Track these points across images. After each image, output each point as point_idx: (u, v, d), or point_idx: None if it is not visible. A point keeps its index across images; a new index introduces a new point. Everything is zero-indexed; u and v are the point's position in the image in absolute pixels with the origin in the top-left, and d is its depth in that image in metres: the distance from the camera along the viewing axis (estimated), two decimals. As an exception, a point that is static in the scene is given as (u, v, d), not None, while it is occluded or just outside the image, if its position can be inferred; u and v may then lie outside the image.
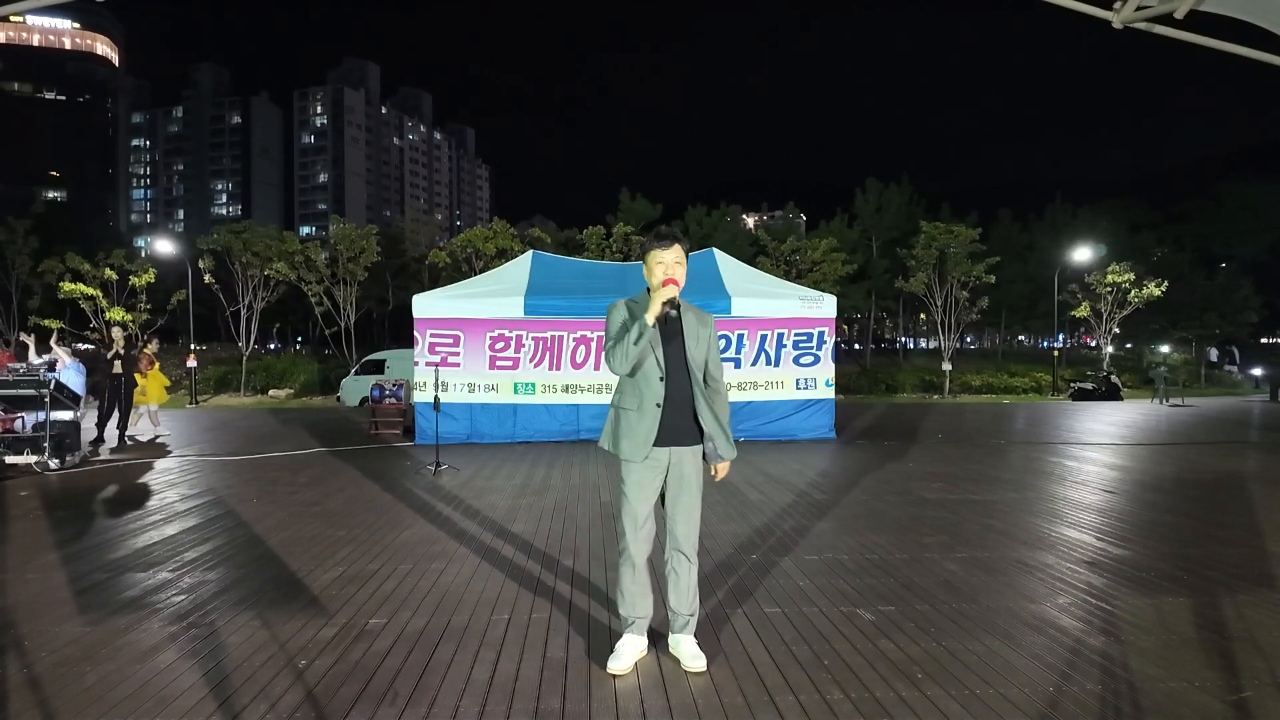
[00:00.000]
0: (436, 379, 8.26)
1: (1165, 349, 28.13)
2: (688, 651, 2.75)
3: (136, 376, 10.54)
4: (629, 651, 2.75)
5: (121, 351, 9.72)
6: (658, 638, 2.97)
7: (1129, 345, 40.18)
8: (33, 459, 7.27)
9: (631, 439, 2.71)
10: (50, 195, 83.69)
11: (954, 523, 5.06)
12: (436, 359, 8.98)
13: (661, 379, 2.69)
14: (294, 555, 4.28)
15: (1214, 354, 24.44)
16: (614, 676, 2.68)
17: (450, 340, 9.24)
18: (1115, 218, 42.48)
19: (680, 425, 2.73)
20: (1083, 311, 26.54)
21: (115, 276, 22.14)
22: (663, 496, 2.80)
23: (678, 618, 2.80)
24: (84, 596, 3.56)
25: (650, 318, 2.61)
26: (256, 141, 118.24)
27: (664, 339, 2.71)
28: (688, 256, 2.80)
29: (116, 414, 9.74)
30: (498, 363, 9.33)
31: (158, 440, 10.09)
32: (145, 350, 11.12)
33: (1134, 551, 4.33)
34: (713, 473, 2.81)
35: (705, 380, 2.79)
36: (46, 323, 23.55)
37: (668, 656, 2.82)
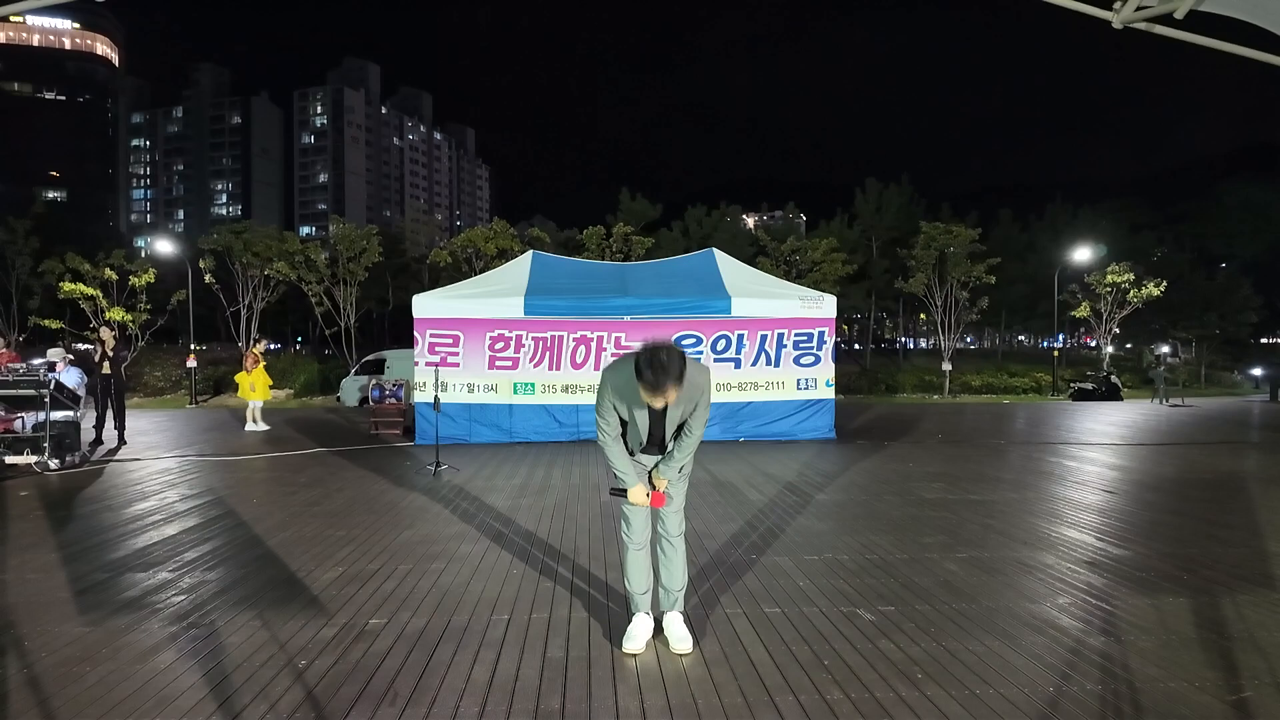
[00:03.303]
0: (436, 379, 8.26)
1: (1165, 349, 28.17)
2: (676, 634, 2.92)
3: (243, 375, 11.25)
4: (641, 632, 2.93)
5: (110, 352, 9.70)
6: (657, 629, 3.01)
7: (1129, 345, 40.21)
8: (33, 459, 7.27)
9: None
10: (50, 195, 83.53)
11: (954, 523, 5.06)
12: (436, 359, 8.98)
13: (641, 443, 2.94)
14: (294, 555, 4.28)
15: (1165, 349, 24.82)
16: (631, 656, 2.83)
17: (450, 340, 9.24)
18: (1115, 218, 42.48)
19: (659, 454, 3.01)
20: (1083, 311, 26.53)
21: (115, 277, 22.08)
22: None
23: (668, 595, 3.00)
24: (84, 596, 3.56)
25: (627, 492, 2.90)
26: (256, 141, 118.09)
27: (650, 418, 2.83)
28: (682, 379, 2.59)
29: (112, 414, 9.72)
30: (497, 363, 9.33)
31: (259, 433, 10.67)
32: (253, 350, 11.65)
33: (1134, 551, 4.33)
34: (660, 490, 2.97)
35: (679, 429, 2.92)
36: (46, 323, 23.62)
37: (666, 651, 2.84)
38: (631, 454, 2.95)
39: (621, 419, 2.87)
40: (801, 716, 2.39)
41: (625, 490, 2.88)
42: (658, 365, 2.52)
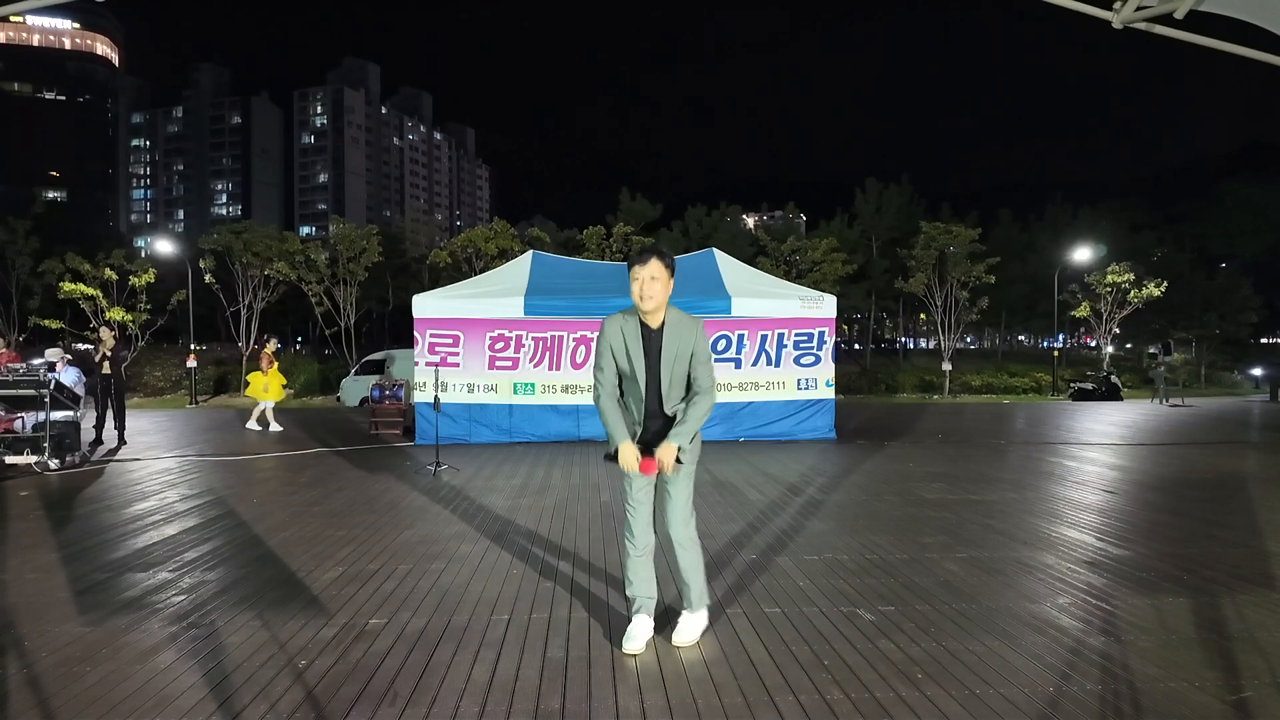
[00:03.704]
0: (436, 379, 8.26)
1: (1157, 349, 28.20)
2: (679, 625, 2.98)
3: (257, 375, 11.18)
4: (640, 633, 2.91)
5: (110, 352, 9.69)
6: (661, 625, 3.03)
7: (1129, 345, 40.22)
8: (33, 459, 7.27)
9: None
10: (50, 195, 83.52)
11: (954, 523, 5.06)
12: (436, 359, 8.98)
13: (642, 400, 2.87)
14: (294, 555, 4.28)
15: (1157, 349, 24.87)
16: (631, 656, 2.84)
17: (450, 340, 9.24)
18: (1115, 218, 42.51)
19: (661, 430, 2.88)
20: (1083, 311, 26.55)
21: (115, 277, 22.11)
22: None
23: (683, 597, 3.03)
24: (84, 596, 3.56)
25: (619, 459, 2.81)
26: (256, 141, 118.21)
27: (646, 360, 2.82)
28: (671, 270, 2.80)
29: (111, 414, 9.72)
30: (497, 363, 9.33)
31: (272, 434, 10.69)
32: (266, 350, 11.55)
33: (1134, 551, 4.33)
34: (656, 456, 2.78)
35: (688, 386, 2.87)
36: (46, 323, 23.62)
37: (666, 650, 2.85)
38: (634, 436, 2.87)
39: (620, 373, 2.87)
40: (801, 716, 2.39)
41: (617, 454, 2.79)
42: (643, 247, 2.89)
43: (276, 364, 11.43)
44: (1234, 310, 36.73)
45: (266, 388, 11.09)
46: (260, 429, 10.95)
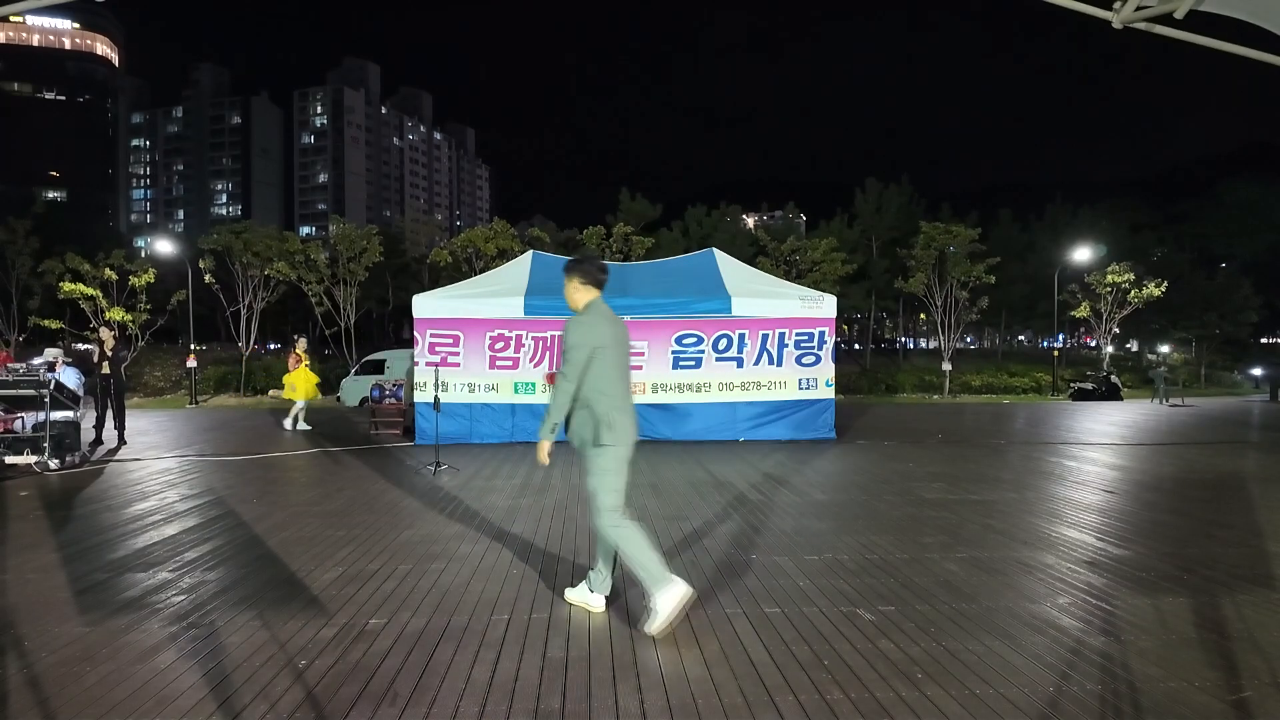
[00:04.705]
0: (436, 379, 8.25)
1: (1165, 348, 28.26)
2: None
3: (289, 375, 11.15)
4: (579, 587, 3.43)
5: (109, 353, 9.69)
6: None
7: (1129, 345, 40.21)
8: (33, 459, 7.27)
9: None
10: (50, 195, 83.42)
11: (954, 523, 5.06)
12: (436, 359, 8.98)
13: None
14: (294, 555, 4.28)
15: (1164, 350, 24.96)
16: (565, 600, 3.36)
17: (450, 340, 9.24)
18: (1115, 218, 42.52)
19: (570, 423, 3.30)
20: (1083, 311, 26.54)
21: (115, 277, 22.09)
22: None
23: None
24: (84, 596, 3.56)
25: None
26: (256, 141, 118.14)
27: None
28: (569, 275, 3.55)
29: (111, 414, 9.72)
30: (498, 363, 9.33)
31: (287, 434, 10.56)
32: (296, 350, 11.47)
33: (1134, 551, 4.33)
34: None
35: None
36: (46, 323, 23.62)
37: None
38: None
39: None
40: (801, 716, 2.39)
41: None
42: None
43: (305, 362, 11.32)
44: (1234, 310, 36.72)
45: (294, 386, 11.11)
46: (308, 428, 10.96)
